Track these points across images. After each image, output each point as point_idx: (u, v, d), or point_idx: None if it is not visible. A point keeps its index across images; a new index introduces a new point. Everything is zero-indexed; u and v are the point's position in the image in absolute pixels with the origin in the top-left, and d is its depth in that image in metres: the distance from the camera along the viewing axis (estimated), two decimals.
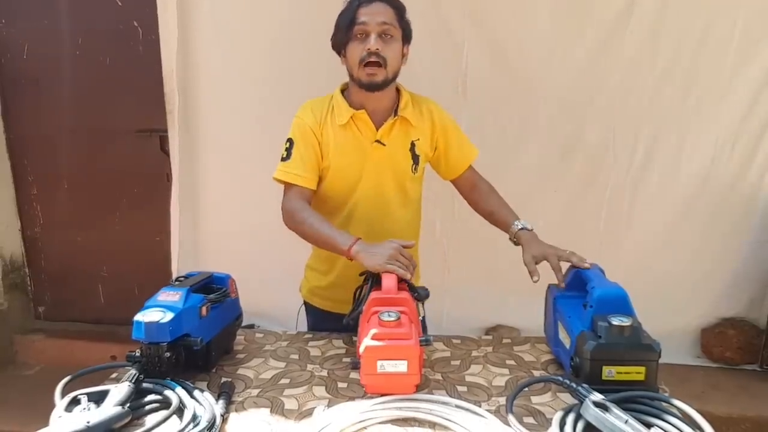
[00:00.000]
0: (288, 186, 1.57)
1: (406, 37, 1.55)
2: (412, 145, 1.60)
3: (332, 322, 1.56)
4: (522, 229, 1.56)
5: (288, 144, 1.58)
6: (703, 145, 2.39)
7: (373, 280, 1.39)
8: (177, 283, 1.33)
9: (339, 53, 1.57)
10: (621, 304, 1.19)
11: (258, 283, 2.21)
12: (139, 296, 1.24)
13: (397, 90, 1.61)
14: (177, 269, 2.60)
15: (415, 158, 1.60)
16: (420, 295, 1.36)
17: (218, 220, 2.64)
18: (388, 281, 1.30)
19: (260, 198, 2.58)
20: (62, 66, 2.87)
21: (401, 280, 1.37)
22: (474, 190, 1.72)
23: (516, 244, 1.57)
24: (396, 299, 1.27)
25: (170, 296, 1.24)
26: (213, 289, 1.39)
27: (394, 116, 1.56)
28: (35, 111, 2.96)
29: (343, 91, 1.61)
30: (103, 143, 2.94)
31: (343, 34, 1.51)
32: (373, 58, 1.46)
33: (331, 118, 1.57)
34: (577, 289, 1.33)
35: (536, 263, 1.45)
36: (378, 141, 1.56)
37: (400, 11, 1.52)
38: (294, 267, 2.63)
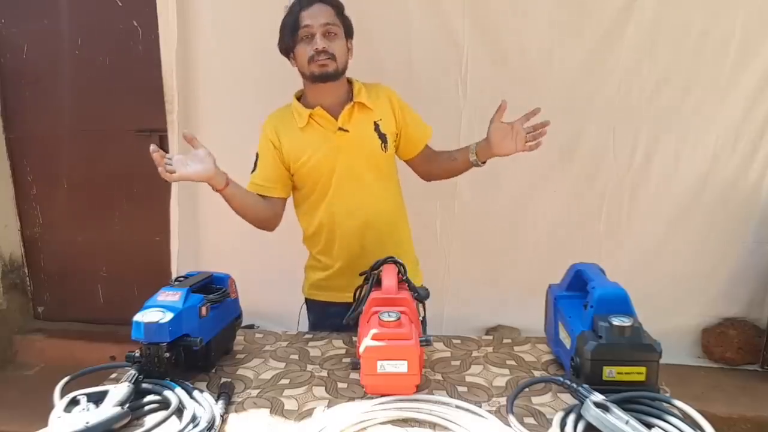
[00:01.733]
0: None
1: (348, 33, 1.65)
2: (376, 125, 1.67)
3: (334, 317, 1.56)
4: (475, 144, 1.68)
5: (255, 158, 1.73)
6: (703, 145, 2.39)
7: (373, 279, 1.39)
8: (177, 283, 1.33)
9: (287, 56, 1.66)
10: (621, 304, 1.19)
11: (258, 283, 2.22)
12: (138, 296, 1.23)
13: (349, 82, 1.70)
14: (177, 269, 2.60)
15: (382, 137, 1.68)
16: (420, 295, 1.36)
17: (218, 220, 2.63)
18: (388, 281, 1.30)
19: None
20: (62, 66, 2.88)
21: (401, 280, 1.37)
22: (431, 166, 1.81)
23: (484, 161, 1.71)
24: (396, 299, 1.27)
25: (170, 296, 1.24)
26: (213, 289, 1.39)
27: (351, 103, 1.64)
28: (35, 111, 2.96)
29: (299, 99, 1.71)
30: (102, 143, 2.94)
31: (290, 38, 1.60)
32: (321, 57, 1.56)
33: (292, 123, 1.67)
34: (578, 289, 1.33)
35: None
36: (341, 128, 1.64)
37: (339, 9, 1.63)
38: (294, 267, 2.63)
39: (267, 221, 1.72)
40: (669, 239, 2.48)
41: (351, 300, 1.43)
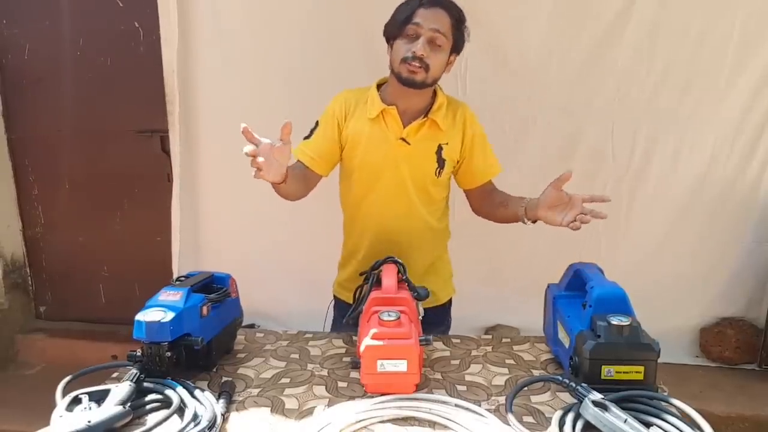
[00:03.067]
0: (297, 162, 1.60)
1: (456, 48, 1.54)
2: (439, 148, 1.58)
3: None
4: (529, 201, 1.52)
5: (314, 125, 1.63)
6: (701, 146, 2.39)
7: (373, 279, 1.40)
8: (178, 282, 1.34)
9: (387, 41, 1.55)
10: (620, 303, 1.19)
11: (258, 283, 2.22)
12: (139, 296, 1.24)
13: (435, 92, 1.60)
14: (178, 269, 2.60)
15: (441, 162, 1.59)
16: (420, 294, 1.36)
17: (219, 220, 2.64)
18: (388, 281, 1.31)
19: (261, 198, 2.58)
20: (63, 66, 2.88)
21: (401, 280, 1.38)
22: (484, 202, 1.70)
23: (533, 221, 1.53)
24: (396, 299, 1.27)
25: (171, 296, 1.24)
26: (213, 288, 1.39)
27: (424, 117, 1.56)
28: (36, 111, 2.97)
29: (380, 86, 1.62)
30: (104, 143, 2.94)
31: (396, 29, 1.50)
32: (415, 63, 1.46)
33: (364, 110, 1.59)
34: (577, 289, 1.34)
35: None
36: (403, 139, 1.56)
37: (458, 20, 1.50)
38: (294, 267, 2.65)
39: (298, 198, 1.61)
40: (667, 239, 2.49)
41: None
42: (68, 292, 3.17)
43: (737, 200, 2.43)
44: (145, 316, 1.18)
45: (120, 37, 2.80)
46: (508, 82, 2.36)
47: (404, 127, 1.56)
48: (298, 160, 1.60)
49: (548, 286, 1.47)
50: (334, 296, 1.80)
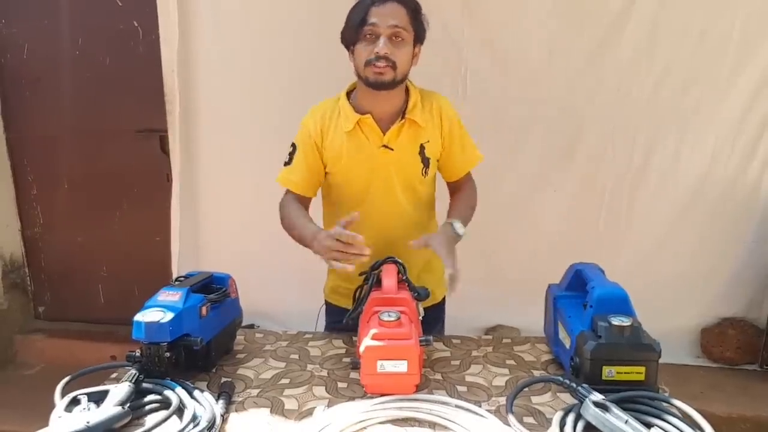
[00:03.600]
0: (287, 191, 1.61)
1: (419, 38, 1.50)
2: (422, 148, 1.55)
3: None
4: (449, 224, 1.53)
5: (291, 149, 1.59)
6: (702, 145, 2.39)
7: (373, 279, 1.39)
8: (177, 283, 1.34)
9: (347, 48, 1.52)
10: (621, 303, 1.19)
11: (258, 283, 2.21)
12: (139, 296, 1.24)
13: (407, 90, 1.56)
14: (177, 269, 2.60)
15: (425, 161, 1.56)
16: (420, 295, 1.36)
17: (218, 220, 2.64)
18: (388, 281, 1.31)
19: (260, 198, 2.58)
20: (62, 66, 2.87)
21: (401, 280, 1.37)
22: (456, 192, 1.70)
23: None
24: (396, 299, 1.27)
25: (170, 296, 1.24)
26: (213, 289, 1.39)
27: (402, 119, 1.52)
28: (35, 111, 2.96)
29: (349, 93, 1.58)
30: (103, 143, 2.94)
31: (353, 33, 1.45)
32: (381, 62, 1.42)
33: (338, 123, 1.54)
34: (577, 289, 1.33)
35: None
36: (385, 146, 1.52)
37: (414, 12, 1.46)
38: (294, 267, 2.64)
39: None
40: (668, 239, 2.49)
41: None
42: (67, 292, 3.16)
43: (738, 200, 2.43)
44: (144, 316, 1.18)
45: (119, 37, 2.79)
46: (508, 82, 2.36)
47: (383, 134, 1.53)
48: (288, 190, 1.60)
49: (549, 287, 1.46)
50: (326, 301, 1.78)
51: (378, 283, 1.36)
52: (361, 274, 1.46)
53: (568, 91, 2.37)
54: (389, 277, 1.32)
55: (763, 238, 2.47)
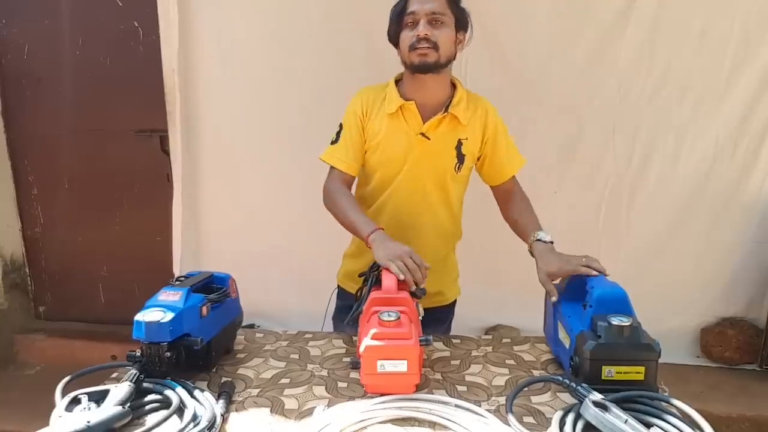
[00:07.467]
0: (331, 168, 1.61)
1: (461, 25, 1.53)
2: (459, 143, 1.57)
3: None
4: (537, 240, 1.50)
5: (339, 128, 1.62)
6: (702, 146, 2.39)
7: (372, 279, 1.39)
8: (177, 282, 1.34)
9: (395, 45, 1.56)
10: (621, 303, 1.19)
11: (258, 283, 2.22)
12: (139, 296, 1.24)
13: (454, 86, 1.60)
14: (178, 269, 2.60)
15: (461, 157, 1.58)
16: (416, 292, 1.35)
17: (219, 220, 2.64)
18: (388, 281, 1.31)
19: (261, 198, 2.60)
20: (63, 66, 2.88)
21: (401, 280, 1.37)
22: (508, 200, 1.68)
23: (533, 256, 1.51)
24: (396, 299, 1.27)
25: (171, 296, 1.24)
26: (213, 289, 1.39)
27: (444, 112, 1.55)
28: (36, 111, 2.96)
29: (398, 82, 1.61)
30: (103, 143, 2.94)
31: (395, 25, 1.52)
32: (423, 44, 1.46)
33: (382, 106, 1.58)
34: (577, 289, 1.33)
35: (553, 281, 1.41)
36: (422, 134, 1.55)
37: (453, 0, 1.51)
38: (294, 267, 2.65)
39: None
40: (668, 239, 2.49)
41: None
42: (68, 292, 3.16)
43: (738, 200, 2.43)
44: (145, 316, 1.18)
45: (119, 37, 2.79)
46: (508, 82, 2.36)
47: (424, 123, 1.55)
48: (332, 168, 1.60)
49: None
50: (339, 286, 1.79)
51: (378, 283, 1.36)
52: (360, 275, 1.46)
53: (569, 90, 2.37)
54: (389, 277, 1.32)
55: (763, 238, 2.47)
